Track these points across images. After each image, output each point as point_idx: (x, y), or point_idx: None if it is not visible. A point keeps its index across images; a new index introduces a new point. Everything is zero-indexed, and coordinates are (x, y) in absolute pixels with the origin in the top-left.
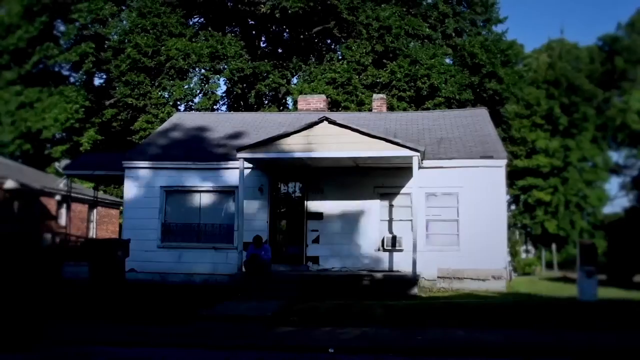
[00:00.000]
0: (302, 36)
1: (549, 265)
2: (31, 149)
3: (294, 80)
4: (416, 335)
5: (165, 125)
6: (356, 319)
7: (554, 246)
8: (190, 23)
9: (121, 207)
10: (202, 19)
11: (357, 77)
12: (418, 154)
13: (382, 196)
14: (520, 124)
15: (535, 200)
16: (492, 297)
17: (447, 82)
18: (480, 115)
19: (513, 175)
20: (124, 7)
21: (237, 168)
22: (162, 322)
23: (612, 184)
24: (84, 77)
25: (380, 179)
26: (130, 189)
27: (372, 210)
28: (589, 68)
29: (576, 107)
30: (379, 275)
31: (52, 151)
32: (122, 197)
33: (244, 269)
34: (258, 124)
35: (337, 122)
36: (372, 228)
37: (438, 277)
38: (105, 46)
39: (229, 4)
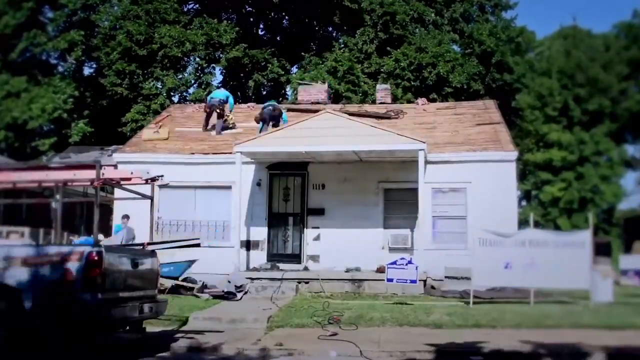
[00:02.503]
0: (302, 23)
1: None
2: (14, 140)
3: (294, 69)
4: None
5: (159, 117)
6: (361, 322)
7: None
8: (185, 9)
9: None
10: (197, 5)
11: (359, 66)
12: (424, 147)
13: (387, 191)
14: (532, 115)
15: (551, 198)
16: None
17: (454, 70)
18: (489, 107)
19: (524, 170)
20: None
21: (235, 162)
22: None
23: (628, 179)
24: (73, 66)
25: (385, 173)
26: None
27: (376, 206)
28: (603, 57)
29: (591, 98)
30: (382, 275)
31: (39, 144)
32: (113, 193)
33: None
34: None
35: (339, 113)
36: (376, 225)
37: (445, 277)
38: (95, 33)
39: None
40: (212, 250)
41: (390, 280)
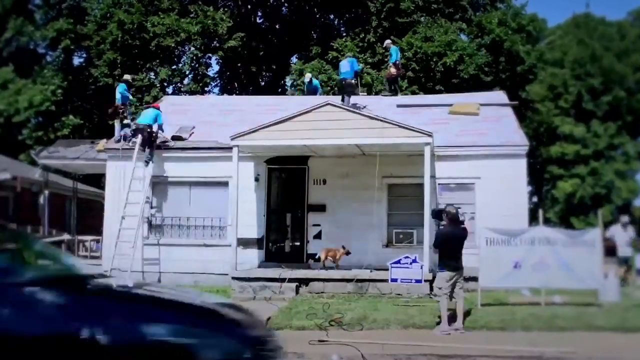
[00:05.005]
0: (301, 11)
1: None
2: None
3: (293, 59)
4: None
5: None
6: (364, 323)
7: None
8: None
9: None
10: None
11: (362, 56)
12: (430, 140)
13: (391, 187)
14: (544, 107)
15: (564, 194)
16: None
17: (463, 61)
18: (498, 99)
19: (536, 165)
20: None
21: (231, 156)
22: None
23: None
24: (62, 55)
25: (389, 168)
26: (113, 180)
27: (380, 202)
28: (618, 46)
29: (605, 89)
30: (386, 275)
31: (26, 136)
32: (104, 189)
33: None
34: (254, 109)
35: (342, 106)
36: (380, 222)
37: None
38: (85, 22)
39: None
40: (208, 249)
41: (394, 280)
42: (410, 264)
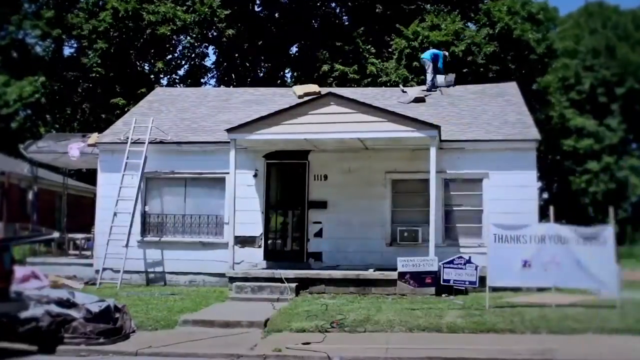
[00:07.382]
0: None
1: None
2: None
3: (293, 49)
4: None
5: (145, 101)
6: (367, 325)
7: None
8: None
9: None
10: None
11: (366, 46)
12: (436, 134)
13: (395, 183)
14: (554, 99)
15: (581, 190)
16: None
17: (472, 52)
18: (508, 90)
19: (547, 159)
20: None
21: (228, 151)
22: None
23: None
24: (52, 45)
25: (393, 162)
26: (104, 175)
27: (383, 198)
28: (633, 36)
29: (620, 81)
30: (391, 274)
31: (13, 127)
32: (95, 185)
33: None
34: (252, 101)
35: (344, 97)
36: (383, 219)
37: None
38: (76, 10)
39: None
40: (204, 247)
41: (446, 281)
42: (464, 264)
